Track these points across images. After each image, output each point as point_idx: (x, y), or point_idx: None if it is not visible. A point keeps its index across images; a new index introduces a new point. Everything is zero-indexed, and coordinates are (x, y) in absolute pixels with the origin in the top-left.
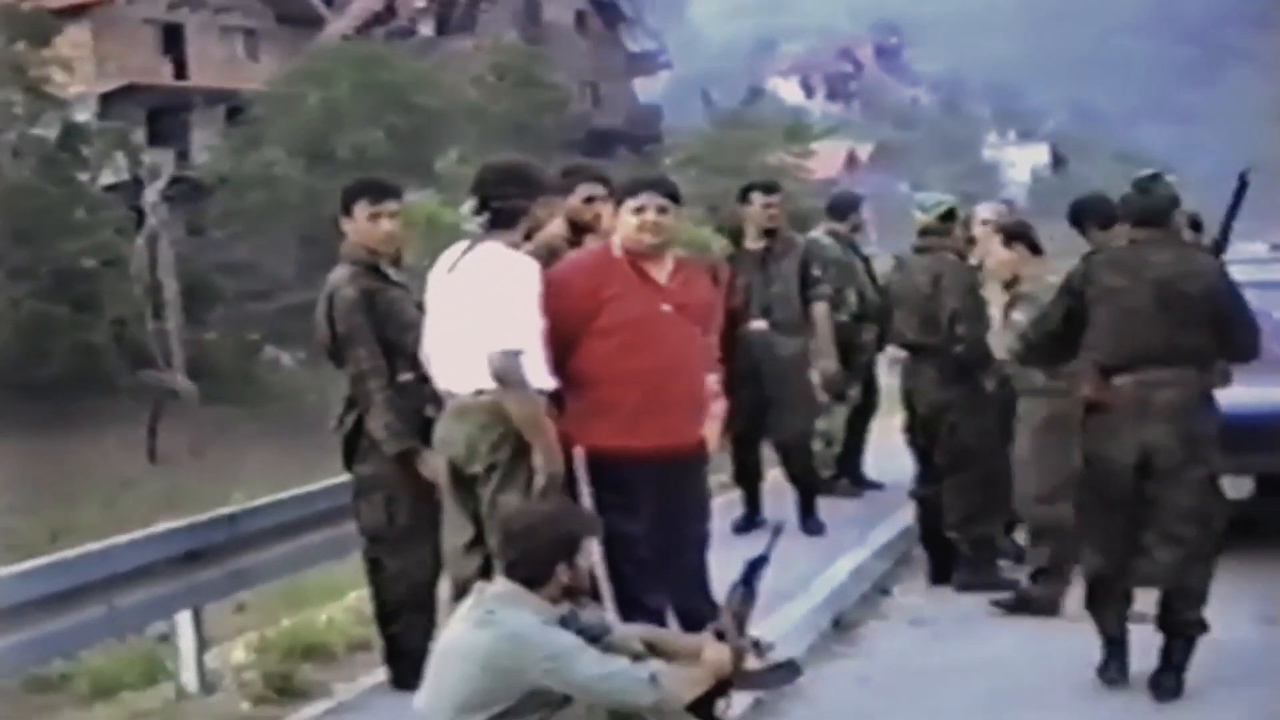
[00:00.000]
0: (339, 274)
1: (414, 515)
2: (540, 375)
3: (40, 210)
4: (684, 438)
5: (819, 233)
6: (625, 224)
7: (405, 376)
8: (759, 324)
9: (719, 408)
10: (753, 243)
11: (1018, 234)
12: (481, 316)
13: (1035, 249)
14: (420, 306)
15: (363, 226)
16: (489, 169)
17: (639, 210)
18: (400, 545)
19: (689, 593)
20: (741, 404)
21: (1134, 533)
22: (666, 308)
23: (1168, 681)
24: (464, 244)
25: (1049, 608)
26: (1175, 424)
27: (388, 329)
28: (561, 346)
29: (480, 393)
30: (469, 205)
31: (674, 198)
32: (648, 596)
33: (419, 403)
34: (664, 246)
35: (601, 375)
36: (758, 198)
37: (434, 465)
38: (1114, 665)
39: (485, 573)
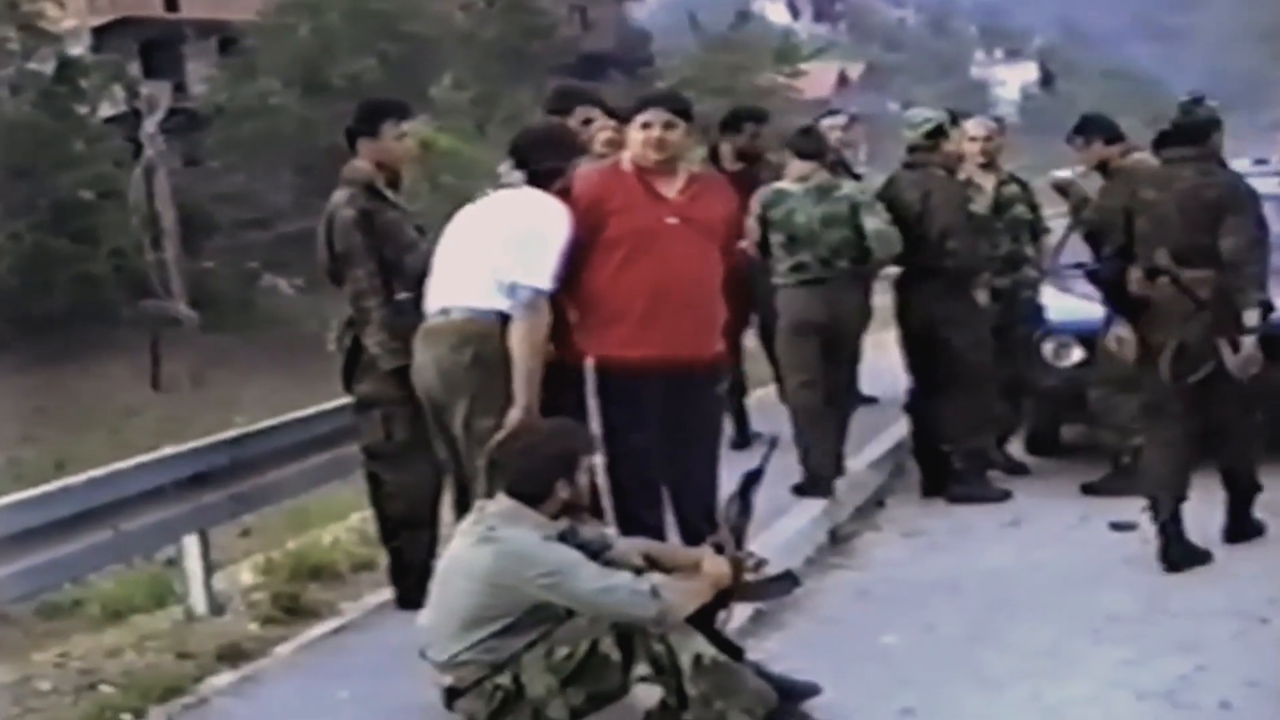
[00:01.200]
0: (339, 195)
1: (412, 431)
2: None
3: (39, 144)
4: (692, 350)
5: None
6: (633, 140)
7: (402, 295)
8: (744, 244)
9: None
10: (730, 165)
11: None
12: (509, 246)
13: None
14: (420, 229)
15: (388, 145)
16: (527, 134)
17: (645, 126)
18: (399, 461)
19: (694, 508)
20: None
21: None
22: (672, 220)
23: (1236, 529)
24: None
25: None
26: (1201, 319)
27: (386, 248)
28: (571, 260)
29: (446, 312)
30: (506, 166)
31: (683, 114)
32: (648, 513)
33: (415, 320)
34: (673, 162)
35: (609, 287)
36: (749, 127)
37: None
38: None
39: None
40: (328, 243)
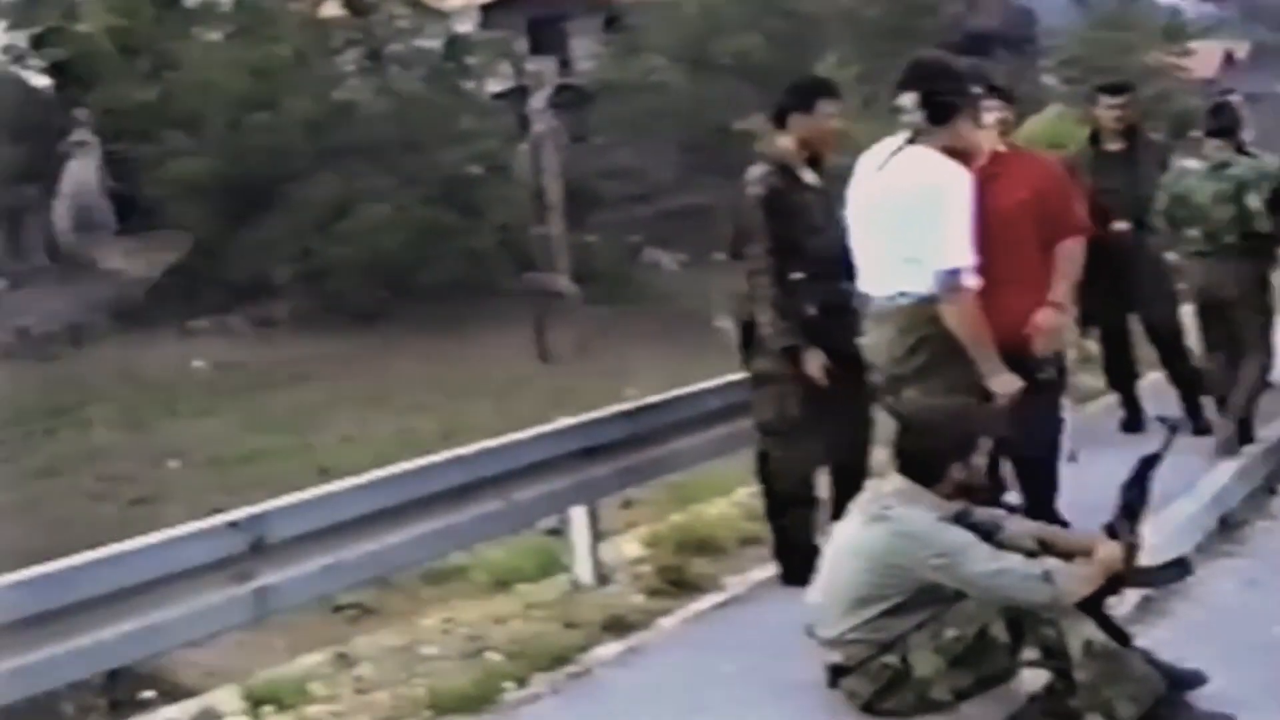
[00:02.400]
0: (753, 171)
1: (803, 409)
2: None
3: (428, 119)
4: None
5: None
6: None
7: (795, 275)
8: (1122, 225)
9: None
10: (1110, 144)
11: None
12: (914, 228)
13: None
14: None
15: (820, 122)
16: (924, 64)
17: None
18: (789, 438)
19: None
20: (1109, 306)
21: None
22: None
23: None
24: (893, 140)
25: None
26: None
27: (788, 228)
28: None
29: (900, 296)
30: (909, 98)
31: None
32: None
33: (806, 301)
34: (960, 153)
35: None
36: (1104, 99)
37: (815, 363)
38: None
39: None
40: (734, 218)
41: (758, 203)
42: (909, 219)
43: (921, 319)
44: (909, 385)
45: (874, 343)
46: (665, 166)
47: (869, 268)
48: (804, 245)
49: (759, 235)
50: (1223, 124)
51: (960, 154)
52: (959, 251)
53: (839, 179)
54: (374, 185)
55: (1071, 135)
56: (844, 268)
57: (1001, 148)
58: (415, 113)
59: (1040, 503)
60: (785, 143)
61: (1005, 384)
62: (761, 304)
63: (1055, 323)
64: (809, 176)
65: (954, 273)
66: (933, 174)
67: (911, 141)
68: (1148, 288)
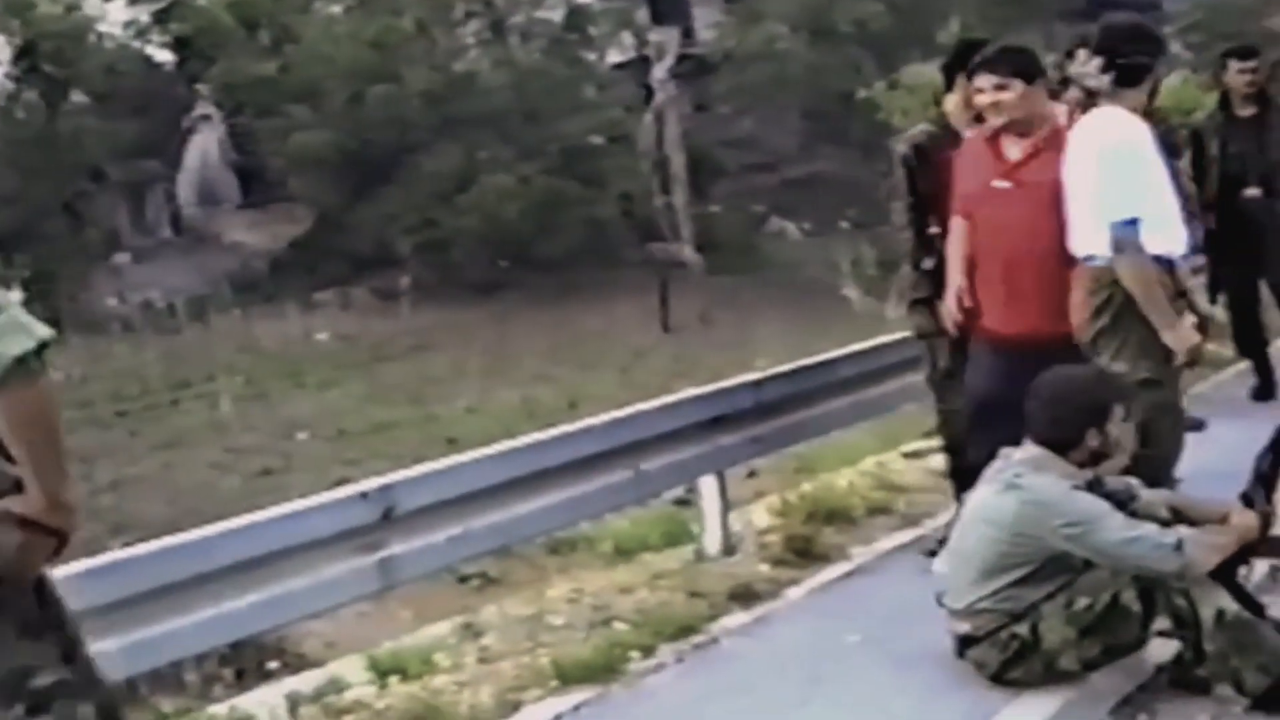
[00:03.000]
0: (910, 131)
1: (951, 360)
2: (1162, 241)
3: (549, 90)
4: (1015, 327)
5: None
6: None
7: (933, 230)
8: (1254, 191)
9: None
10: (1241, 109)
11: None
12: (1095, 184)
13: None
14: None
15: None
16: (1112, 28)
17: (979, 91)
18: (942, 389)
19: None
20: (1238, 272)
21: None
22: (1002, 184)
23: None
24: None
25: None
26: None
27: (930, 185)
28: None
29: (1088, 260)
30: (1095, 62)
31: (1022, 74)
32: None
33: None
34: (1024, 124)
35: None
36: (1233, 64)
37: (947, 315)
38: None
39: None
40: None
41: (900, 160)
42: (1097, 180)
43: (1106, 280)
44: (1100, 349)
45: (1073, 306)
46: (788, 135)
47: (1073, 234)
48: (941, 201)
49: (899, 192)
50: None
51: (1145, 115)
52: (1132, 204)
53: None
54: (495, 156)
55: (1198, 101)
56: None
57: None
58: (535, 83)
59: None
60: (950, 104)
61: (1183, 339)
62: (904, 259)
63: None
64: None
65: (1128, 224)
66: (1118, 133)
67: (1092, 104)
68: (1278, 253)
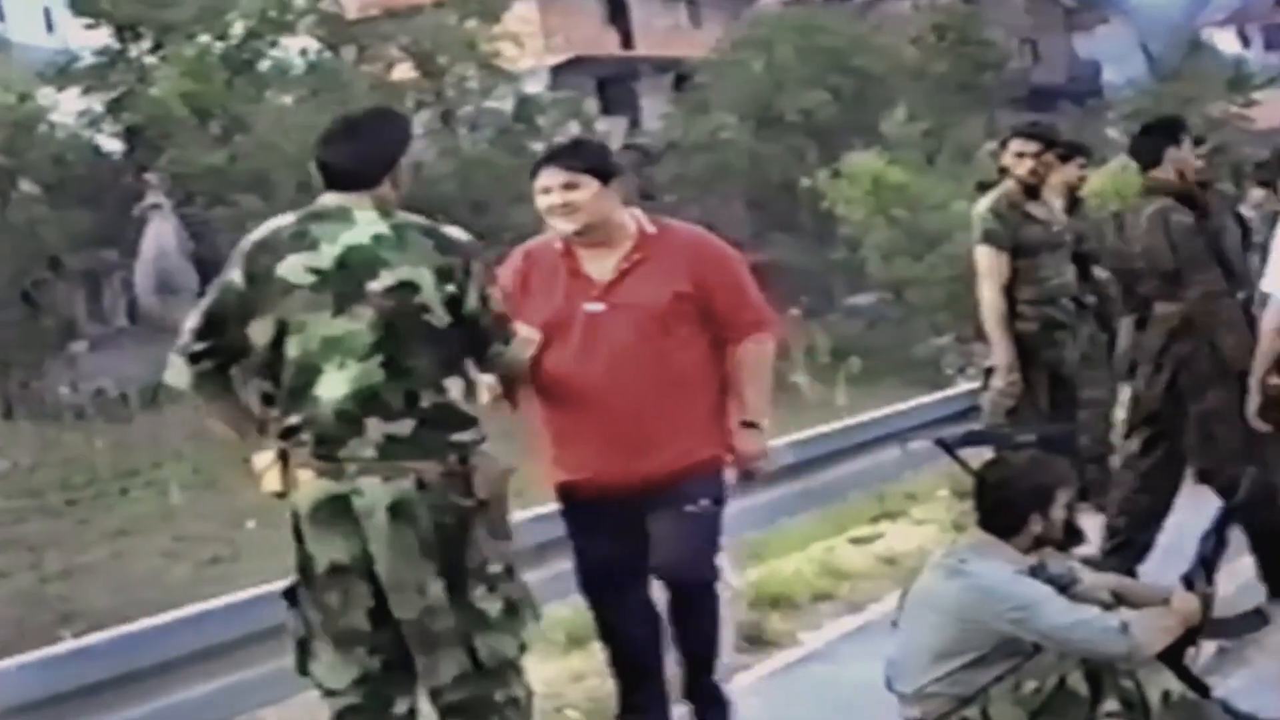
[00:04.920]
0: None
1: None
2: None
3: (496, 180)
4: (629, 467)
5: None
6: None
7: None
8: None
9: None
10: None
11: None
12: None
13: None
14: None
15: (1010, 161)
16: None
17: (545, 191)
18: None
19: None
20: None
21: None
22: (595, 307)
23: None
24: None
25: None
26: None
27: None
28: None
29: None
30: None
31: (594, 170)
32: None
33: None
34: (597, 231)
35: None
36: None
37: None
38: None
39: None
40: None
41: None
42: None
43: None
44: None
45: None
46: (733, 223)
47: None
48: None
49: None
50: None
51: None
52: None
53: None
54: None
55: (1136, 188)
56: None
57: (650, 227)
58: (479, 173)
59: None
60: (1010, 179)
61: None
62: None
63: (759, 447)
64: (1039, 210)
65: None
66: None
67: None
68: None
